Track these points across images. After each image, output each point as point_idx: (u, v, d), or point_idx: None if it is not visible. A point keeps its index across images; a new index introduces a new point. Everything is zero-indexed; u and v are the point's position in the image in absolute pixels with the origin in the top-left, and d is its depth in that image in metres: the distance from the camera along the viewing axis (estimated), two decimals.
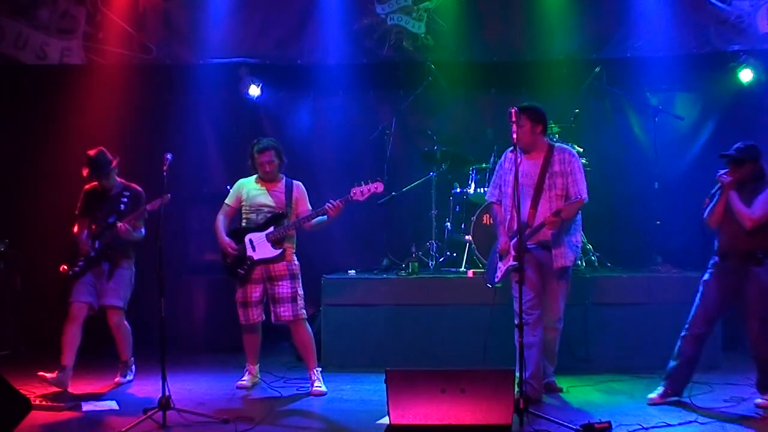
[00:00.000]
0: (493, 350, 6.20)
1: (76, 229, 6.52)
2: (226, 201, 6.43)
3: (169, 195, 5.96)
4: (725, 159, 5.63)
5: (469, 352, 6.70)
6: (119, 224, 6.23)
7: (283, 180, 6.38)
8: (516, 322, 5.80)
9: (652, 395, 5.72)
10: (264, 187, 6.33)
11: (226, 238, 6.27)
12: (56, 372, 6.21)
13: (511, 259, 5.82)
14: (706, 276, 5.68)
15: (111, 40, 8.01)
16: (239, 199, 6.37)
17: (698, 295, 5.68)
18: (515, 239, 5.75)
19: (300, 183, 6.42)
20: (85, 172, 6.44)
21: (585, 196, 5.82)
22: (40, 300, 8.17)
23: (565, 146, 6.16)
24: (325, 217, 6.15)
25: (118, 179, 6.55)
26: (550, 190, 5.81)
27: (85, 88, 8.14)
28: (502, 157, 6.10)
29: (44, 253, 8.34)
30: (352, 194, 6.10)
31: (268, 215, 6.24)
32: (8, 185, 8.38)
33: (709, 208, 5.66)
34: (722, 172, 5.63)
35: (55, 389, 6.17)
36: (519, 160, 5.65)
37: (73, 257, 6.43)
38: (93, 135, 8.00)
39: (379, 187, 6.12)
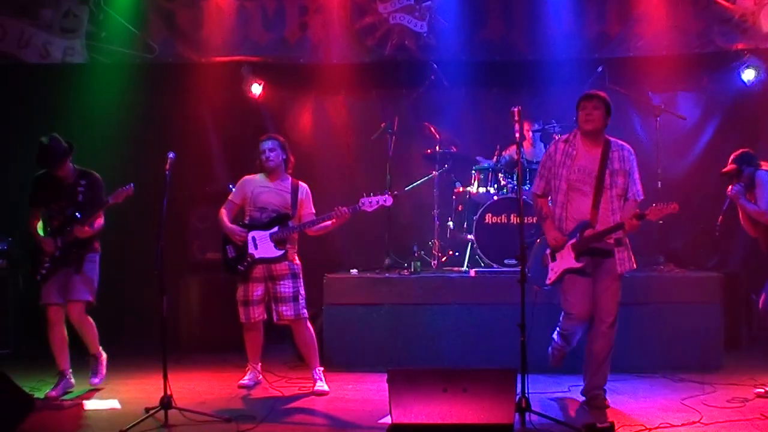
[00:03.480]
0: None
1: (32, 221, 6.20)
2: (231, 198, 6.37)
3: (132, 185, 5.97)
4: (728, 176, 5.96)
5: (471, 351, 6.70)
6: (77, 228, 5.99)
7: (289, 180, 6.35)
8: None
9: None
10: (269, 185, 6.30)
11: (233, 225, 6.20)
12: (58, 381, 6.16)
13: (573, 259, 5.46)
14: None
15: (114, 39, 8.02)
16: (244, 196, 6.31)
17: None
18: (573, 239, 5.46)
19: (305, 186, 6.39)
20: (38, 160, 6.08)
21: (642, 195, 5.59)
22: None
23: (622, 142, 5.61)
24: (329, 222, 6.14)
25: (72, 165, 6.19)
26: (611, 189, 5.43)
27: (87, 88, 8.14)
28: (553, 148, 5.65)
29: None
30: (360, 204, 6.04)
31: (273, 215, 6.21)
32: (10, 184, 8.37)
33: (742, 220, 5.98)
34: (733, 188, 5.95)
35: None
36: (575, 152, 5.50)
37: (36, 256, 6.13)
38: (96, 134, 8.04)
39: (388, 200, 6.05)
